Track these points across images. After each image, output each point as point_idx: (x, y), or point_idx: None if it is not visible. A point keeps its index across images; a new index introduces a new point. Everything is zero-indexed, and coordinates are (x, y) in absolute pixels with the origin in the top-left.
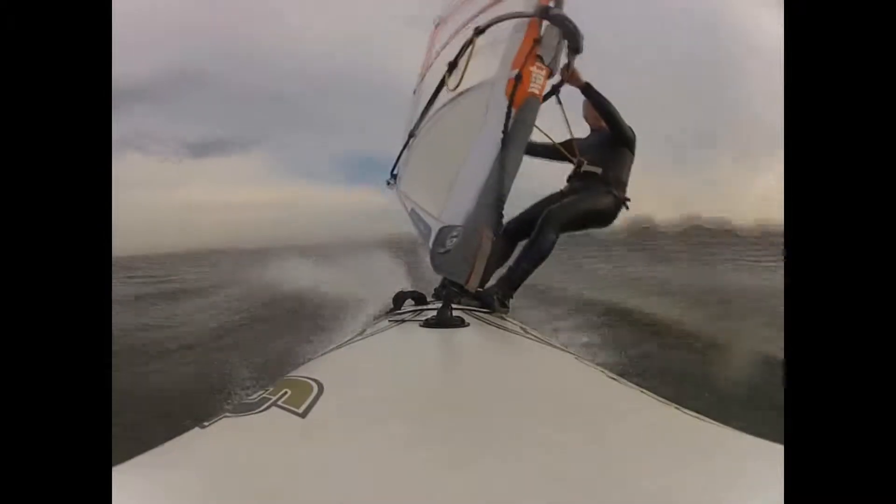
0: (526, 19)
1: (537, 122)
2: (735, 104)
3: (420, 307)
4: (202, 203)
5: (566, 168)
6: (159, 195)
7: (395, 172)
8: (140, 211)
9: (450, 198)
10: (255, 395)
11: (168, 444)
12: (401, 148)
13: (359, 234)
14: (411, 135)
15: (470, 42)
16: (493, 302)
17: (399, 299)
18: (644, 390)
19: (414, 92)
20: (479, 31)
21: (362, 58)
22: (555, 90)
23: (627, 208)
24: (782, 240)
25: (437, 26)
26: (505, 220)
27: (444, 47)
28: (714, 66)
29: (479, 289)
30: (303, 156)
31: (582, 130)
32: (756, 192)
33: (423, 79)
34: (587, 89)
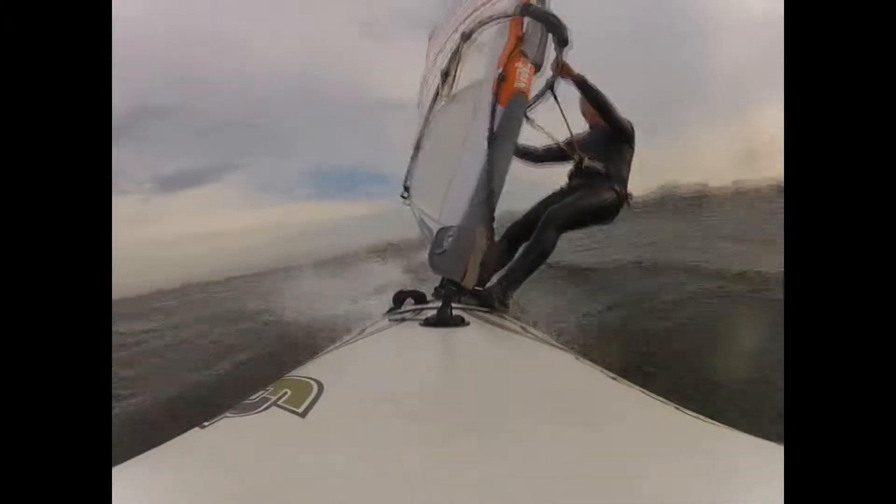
0: (509, 19)
1: (540, 124)
2: (696, 66)
3: (420, 306)
4: (181, 236)
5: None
6: (141, 233)
7: (406, 185)
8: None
9: (447, 200)
10: (255, 395)
11: (168, 444)
12: (409, 161)
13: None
14: (417, 147)
15: (458, 48)
16: (492, 301)
17: (399, 298)
18: (644, 390)
19: (418, 105)
20: (466, 37)
21: (322, 72)
22: (550, 87)
23: (629, 205)
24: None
25: (431, 38)
26: (506, 222)
27: (437, 56)
28: (671, 30)
29: (478, 288)
30: (276, 176)
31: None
32: (729, 153)
33: (424, 90)
34: (581, 83)
